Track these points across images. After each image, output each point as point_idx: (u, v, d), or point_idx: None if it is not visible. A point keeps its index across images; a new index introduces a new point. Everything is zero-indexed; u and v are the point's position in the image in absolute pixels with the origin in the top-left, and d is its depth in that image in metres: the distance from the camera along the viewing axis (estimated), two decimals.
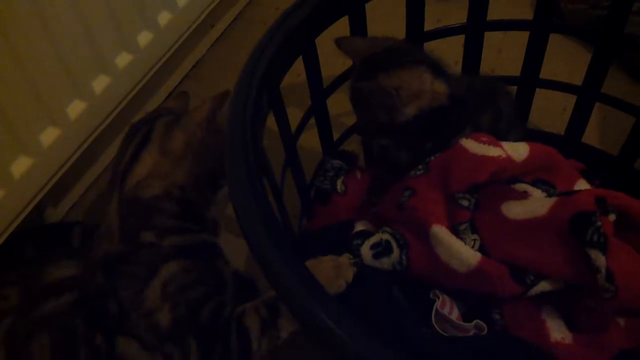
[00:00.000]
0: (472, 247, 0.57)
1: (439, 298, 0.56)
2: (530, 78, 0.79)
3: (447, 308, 0.56)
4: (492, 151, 0.59)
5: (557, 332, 0.54)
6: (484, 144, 0.60)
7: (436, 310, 0.55)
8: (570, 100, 0.80)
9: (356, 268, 0.57)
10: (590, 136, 0.87)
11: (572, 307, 0.56)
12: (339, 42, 0.67)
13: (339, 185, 0.68)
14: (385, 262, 0.58)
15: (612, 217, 0.53)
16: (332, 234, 0.65)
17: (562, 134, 0.82)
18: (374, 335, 0.36)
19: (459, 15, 0.78)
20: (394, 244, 0.58)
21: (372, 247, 0.59)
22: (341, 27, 0.70)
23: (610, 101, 0.77)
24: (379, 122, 0.64)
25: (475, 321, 0.55)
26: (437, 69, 0.64)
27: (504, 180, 0.61)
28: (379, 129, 0.65)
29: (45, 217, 0.83)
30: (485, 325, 0.55)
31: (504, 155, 0.59)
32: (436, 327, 0.55)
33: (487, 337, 0.55)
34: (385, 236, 0.59)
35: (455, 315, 0.56)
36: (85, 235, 0.73)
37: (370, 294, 0.57)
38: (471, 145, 0.60)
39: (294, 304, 0.39)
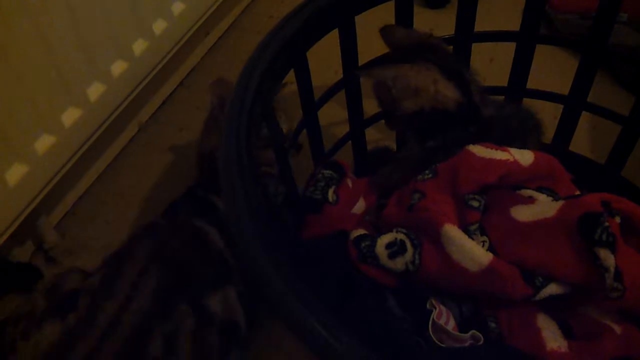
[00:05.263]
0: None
1: (435, 308, 0.56)
2: (517, 88, 0.80)
3: (443, 318, 0.56)
4: (500, 155, 0.60)
5: (553, 340, 0.54)
6: (491, 148, 0.61)
7: (433, 320, 0.55)
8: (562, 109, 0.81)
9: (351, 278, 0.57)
10: (582, 145, 0.88)
11: (568, 314, 0.56)
12: (383, 31, 0.70)
13: (331, 194, 0.68)
14: (399, 262, 0.58)
15: (617, 219, 0.54)
16: (327, 243, 0.65)
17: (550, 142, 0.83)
18: (369, 344, 0.36)
19: (453, 23, 0.78)
20: (408, 243, 0.58)
21: (387, 246, 0.58)
22: (333, 38, 0.71)
23: (596, 110, 0.77)
24: (388, 113, 0.65)
25: (471, 332, 0.55)
26: (453, 73, 0.65)
27: (510, 186, 0.61)
28: (396, 119, 0.66)
29: (38, 226, 0.83)
30: (481, 336, 0.55)
31: (511, 159, 0.60)
32: (433, 337, 0.55)
33: (483, 347, 0.55)
34: (400, 235, 0.59)
35: (451, 325, 0.57)
36: None
37: (365, 303, 0.57)
38: (478, 150, 0.61)
39: (287, 312, 0.38)
